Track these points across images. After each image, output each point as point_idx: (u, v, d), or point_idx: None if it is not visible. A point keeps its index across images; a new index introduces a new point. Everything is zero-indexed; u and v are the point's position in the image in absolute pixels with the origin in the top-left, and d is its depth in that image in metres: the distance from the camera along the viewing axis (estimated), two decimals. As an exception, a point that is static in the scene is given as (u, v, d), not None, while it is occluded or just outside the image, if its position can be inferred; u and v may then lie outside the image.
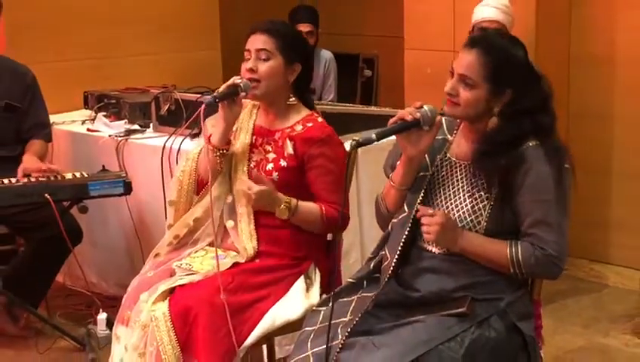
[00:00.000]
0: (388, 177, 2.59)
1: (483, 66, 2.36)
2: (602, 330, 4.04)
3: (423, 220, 2.37)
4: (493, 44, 2.42)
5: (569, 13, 4.72)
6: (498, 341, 2.33)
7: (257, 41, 2.86)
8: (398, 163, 2.53)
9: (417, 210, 2.44)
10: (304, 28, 5.13)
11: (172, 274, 2.82)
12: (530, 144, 2.37)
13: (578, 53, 4.72)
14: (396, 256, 2.46)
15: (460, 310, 2.34)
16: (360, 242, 3.79)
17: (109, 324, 3.88)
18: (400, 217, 2.51)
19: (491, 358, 2.31)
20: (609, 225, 4.70)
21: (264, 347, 2.74)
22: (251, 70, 2.84)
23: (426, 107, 2.42)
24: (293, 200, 2.82)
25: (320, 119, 2.95)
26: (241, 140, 2.94)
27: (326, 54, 5.47)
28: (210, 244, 2.92)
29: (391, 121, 2.44)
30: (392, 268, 2.47)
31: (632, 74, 4.53)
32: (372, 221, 3.59)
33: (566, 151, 2.43)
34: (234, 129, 2.96)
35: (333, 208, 2.83)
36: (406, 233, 2.47)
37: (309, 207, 2.84)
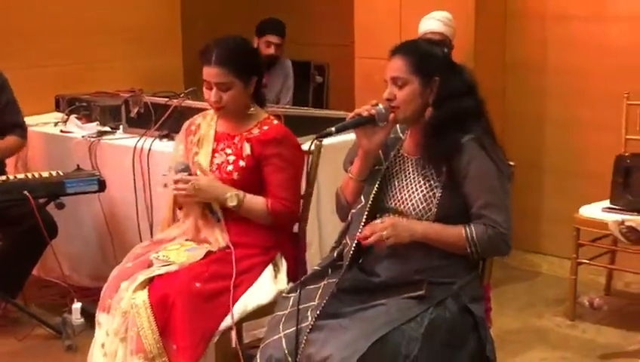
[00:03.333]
0: (347, 172, 2.64)
1: (408, 64, 2.46)
2: (537, 313, 4.14)
3: (376, 229, 2.40)
4: (411, 45, 2.56)
5: (504, 25, 4.84)
6: (453, 321, 2.39)
7: (213, 75, 2.85)
8: (356, 158, 2.58)
9: (375, 200, 2.50)
10: (273, 40, 5.17)
11: (150, 265, 2.84)
12: (468, 138, 2.45)
13: (512, 62, 4.84)
14: (355, 243, 2.52)
15: (418, 293, 2.40)
16: (319, 235, 3.83)
17: (84, 313, 3.87)
18: (358, 207, 2.57)
19: (447, 337, 2.37)
20: (541, 218, 4.82)
21: (233, 332, 2.75)
22: (216, 102, 2.88)
23: (380, 105, 2.49)
24: (241, 192, 2.87)
25: (275, 122, 2.99)
26: (205, 149, 2.98)
27: (287, 63, 5.51)
28: (186, 239, 2.95)
29: (349, 116, 2.51)
30: (351, 253, 2.52)
31: (561, 81, 4.66)
32: (330, 216, 3.66)
33: (501, 148, 2.52)
34: (196, 139, 2.99)
35: (279, 203, 2.88)
36: (363, 221, 2.52)
37: (255, 200, 2.89)
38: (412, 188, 2.50)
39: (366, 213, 2.52)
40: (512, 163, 2.58)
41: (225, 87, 2.85)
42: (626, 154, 4.07)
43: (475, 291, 2.51)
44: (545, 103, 4.76)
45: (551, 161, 4.77)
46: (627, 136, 4.16)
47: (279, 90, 5.48)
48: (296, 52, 6.01)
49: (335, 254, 2.62)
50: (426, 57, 2.49)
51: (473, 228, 2.43)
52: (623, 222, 3.51)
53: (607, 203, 3.99)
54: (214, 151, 2.97)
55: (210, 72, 2.85)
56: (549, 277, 4.64)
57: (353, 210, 2.59)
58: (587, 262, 4.09)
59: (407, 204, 2.49)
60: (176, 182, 2.87)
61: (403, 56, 2.48)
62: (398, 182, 2.54)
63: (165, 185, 3.12)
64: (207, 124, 3.04)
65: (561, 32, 4.64)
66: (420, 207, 2.47)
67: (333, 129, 2.42)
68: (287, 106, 4.94)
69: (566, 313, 4.07)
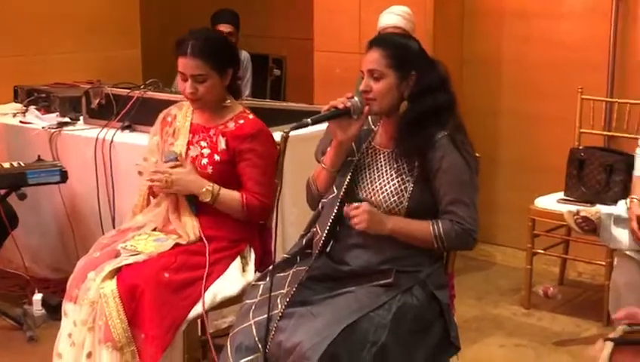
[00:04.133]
0: (319, 162, 2.68)
1: (386, 58, 2.50)
2: (493, 302, 4.23)
3: (352, 213, 2.45)
4: (389, 39, 2.62)
5: (462, 21, 4.93)
6: (420, 308, 2.45)
7: (190, 67, 2.85)
8: (329, 148, 2.62)
9: (347, 191, 2.54)
10: (224, 28, 5.16)
11: (117, 255, 2.84)
12: (442, 135, 2.50)
13: (469, 56, 4.93)
14: (326, 232, 2.56)
15: (386, 281, 2.45)
16: (282, 225, 3.86)
17: (44, 304, 3.85)
18: (329, 197, 2.61)
19: (414, 323, 2.42)
20: (495, 209, 4.91)
21: (205, 319, 2.78)
22: (192, 93, 2.88)
23: (356, 98, 2.52)
24: (216, 186, 2.87)
25: (251, 116, 3.00)
26: (180, 141, 2.98)
27: (244, 54, 5.51)
28: (154, 229, 2.95)
29: (324, 108, 2.54)
30: (321, 242, 2.56)
31: (516, 75, 4.77)
32: (292, 208, 3.71)
33: (470, 144, 2.58)
34: (172, 130, 3.00)
35: (254, 197, 2.90)
36: (335, 211, 2.56)
37: (230, 194, 2.90)
38: (384, 180, 2.55)
39: (338, 203, 2.56)
40: (478, 154, 2.65)
41: (200, 78, 2.86)
42: (580, 147, 4.19)
43: (441, 279, 2.57)
44: (501, 97, 4.86)
45: (506, 153, 4.87)
46: (581, 130, 4.27)
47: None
48: (254, 45, 6.02)
49: (304, 242, 2.65)
50: (404, 51, 2.53)
51: (440, 225, 2.48)
52: (577, 213, 3.62)
53: (561, 195, 4.10)
54: (189, 143, 2.97)
55: (186, 64, 2.85)
56: (504, 267, 4.74)
57: (324, 200, 2.62)
58: (542, 252, 4.20)
59: (379, 196, 2.53)
60: (153, 172, 2.87)
61: (380, 49, 2.51)
62: (370, 174, 2.58)
63: (140, 173, 3.11)
64: (183, 115, 3.04)
65: (517, 28, 4.74)
66: (392, 200, 2.51)
67: (309, 120, 2.44)
68: (251, 99, 4.95)
69: (522, 302, 4.17)
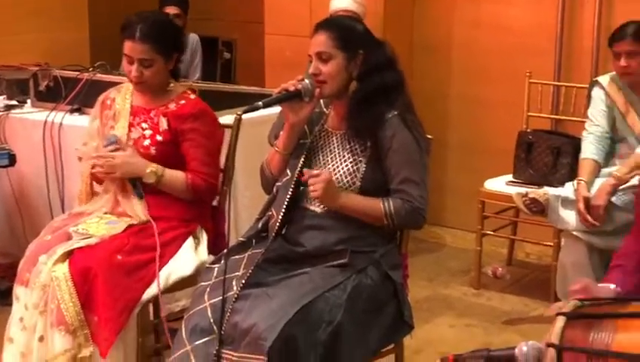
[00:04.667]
0: (272, 145, 2.68)
1: (332, 39, 2.51)
2: (443, 283, 4.29)
3: (310, 181, 2.47)
4: (334, 21, 2.66)
5: (412, 6, 4.96)
6: (374, 287, 2.48)
7: (137, 51, 2.83)
8: (281, 132, 2.63)
9: (300, 174, 2.55)
10: (172, 10, 5.10)
11: (69, 238, 2.81)
12: (392, 114, 2.53)
13: (420, 42, 4.97)
14: (281, 214, 2.56)
15: (341, 261, 2.46)
16: (234, 208, 3.86)
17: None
18: (284, 180, 2.62)
19: (369, 302, 2.45)
20: (445, 192, 4.97)
21: (161, 300, 2.77)
22: (137, 77, 2.85)
23: (307, 80, 2.53)
24: (160, 167, 2.86)
25: (193, 96, 2.99)
26: (121, 124, 2.96)
27: (193, 37, 5.47)
28: (105, 212, 2.93)
29: (276, 91, 2.54)
30: (277, 225, 2.57)
31: (466, 59, 4.82)
32: (244, 191, 3.71)
33: (420, 123, 2.61)
34: (112, 113, 2.98)
35: (199, 178, 2.89)
36: (289, 194, 2.57)
37: (175, 175, 2.89)
38: (337, 162, 2.56)
39: (292, 185, 2.57)
40: (430, 136, 2.68)
41: (147, 63, 2.84)
42: (528, 130, 4.26)
43: (395, 259, 2.60)
44: (451, 82, 4.91)
45: (456, 137, 4.93)
46: (529, 113, 4.34)
47: (188, 66, 5.44)
48: (204, 28, 5.98)
49: (260, 225, 2.65)
50: (349, 32, 2.55)
51: (391, 203, 2.51)
52: (526, 195, 3.69)
53: (510, 177, 4.17)
54: (130, 125, 2.94)
55: (133, 48, 2.83)
56: (454, 249, 4.80)
57: (279, 183, 2.63)
58: (491, 233, 4.27)
59: (333, 177, 2.54)
60: (96, 157, 2.85)
61: (326, 31, 2.53)
62: (323, 157, 2.59)
63: (80, 159, 3.09)
64: (122, 97, 3.02)
65: (467, 13, 4.79)
66: (345, 180, 2.53)
67: (260, 103, 2.44)
68: (201, 82, 4.92)
69: (471, 282, 4.24)
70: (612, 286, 1.87)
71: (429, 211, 4.88)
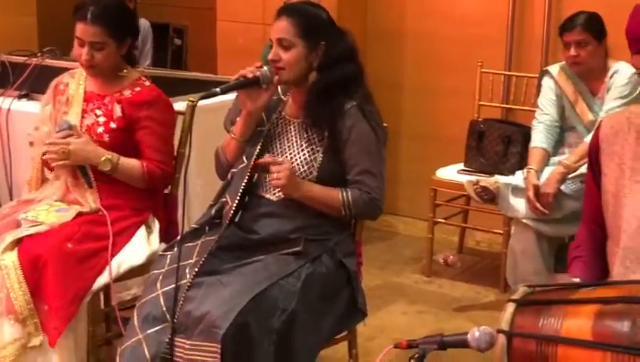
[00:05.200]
0: (228, 131, 2.67)
1: (295, 27, 2.50)
2: (396, 271, 4.33)
3: (273, 168, 2.45)
4: (298, 8, 2.60)
5: (366, -7, 4.98)
6: (328, 275, 2.49)
7: (88, 34, 2.79)
8: (238, 118, 2.62)
9: (256, 160, 2.54)
10: None
11: (18, 225, 2.77)
12: (351, 105, 2.53)
13: (373, 30, 4.97)
14: (236, 201, 2.56)
15: (296, 249, 2.47)
16: (186, 196, 3.83)
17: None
18: (239, 167, 2.61)
19: (323, 290, 2.47)
20: (398, 181, 5.00)
21: (112, 288, 2.75)
22: (88, 60, 2.81)
23: (265, 67, 2.52)
24: (115, 155, 2.83)
25: (148, 83, 2.97)
26: (75, 110, 2.92)
27: (143, 23, 5.41)
28: (56, 200, 2.89)
29: (233, 77, 2.53)
30: (232, 212, 2.56)
31: (419, 47, 4.84)
32: (196, 179, 3.68)
33: (379, 114, 2.63)
34: (65, 99, 2.94)
35: (155, 165, 2.87)
36: (245, 181, 2.57)
37: (130, 163, 2.86)
38: (294, 150, 2.56)
39: (248, 173, 2.56)
40: (385, 125, 2.70)
41: (98, 46, 2.80)
42: (479, 119, 4.31)
43: (349, 247, 2.62)
44: (404, 71, 4.94)
45: (409, 126, 4.95)
46: (480, 102, 4.39)
47: (139, 53, 5.39)
48: (155, 14, 5.92)
49: (213, 212, 2.64)
50: (313, 21, 2.53)
51: (349, 193, 2.52)
52: (477, 183, 3.74)
53: (461, 165, 4.22)
54: (84, 111, 2.90)
55: (84, 30, 2.79)
56: (406, 237, 4.84)
57: (234, 170, 2.62)
58: (443, 221, 4.31)
59: (294, 167, 2.54)
60: (49, 144, 2.80)
61: (289, 17, 2.51)
62: (280, 145, 2.59)
63: (31, 144, 3.04)
64: (76, 83, 2.97)
65: (420, 2, 4.82)
66: (302, 170, 2.53)
67: (218, 89, 2.42)
68: (153, 68, 4.88)
69: (423, 270, 4.28)
70: (576, 280, 1.90)
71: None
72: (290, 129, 2.60)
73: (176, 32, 6.11)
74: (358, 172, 2.52)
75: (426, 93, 4.84)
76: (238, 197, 2.55)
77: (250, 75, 2.50)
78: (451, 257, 4.35)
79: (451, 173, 4.18)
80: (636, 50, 1.92)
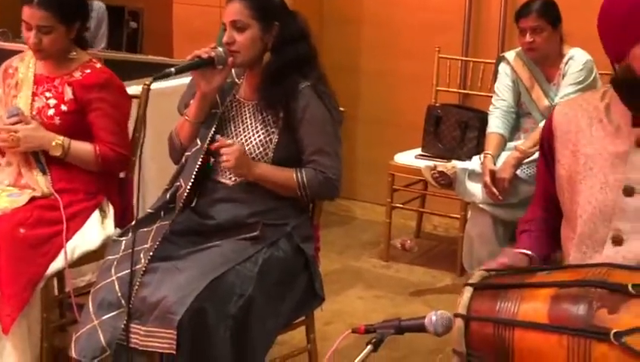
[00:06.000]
0: (182, 114, 2.64)
1: (248, 8, 2.48)
2: (354, 256, 4.33)
3: (222, 150, 2.44)
4: None
5: (322, -22, 4.95)
6: (286, 260, 2.48)
7: (35, 17, 2.73)
8: (192, 101, 2.58)
9: (212, 143, 2.51)
10: None
11: (-31, 211, 2.71)
12: (304, 85, 2.52)
13: (330, 14, 4.95)
14: (190, 184, 2.53)
15: (253, 234, 2.45)
16: (140, 180, 3.78)
17: None
18: (193, 150, 2.58)
19: (280, 275, 2.45)
20: (356, 166, 5.00)
21: (67, 273, 2.71)
22: (35, 44, 2.76)
23: (220, 48, 2.49)
24: (66, 139, 2.79)
25: (99, 65, 2.92)
26: (24, 93, 2.86)
27: (98, 5, 5.33)
28: (7, 185, 2.83)
29: (188, 57, 2.49)
30: (185, 195, 2.52)
31: (377, 34, 4.83)
32: (150, 163, 3.63)
33: (334, 95, 2.62)
34: (14, 82, 2.87)
35: (108, 148, 2.83)
36: (199, 163, 2.54)
37: (82, 146, 2.82)
38: (249, 133, 2.54)
39: (201, 156, 2.54)
40: (342, 109, 2.69)
41: (45, 30, 2.74)
42: (437, 104, 4.32)
43: (307, 231, 2.60)
44: (361, 56, 4.93)
45: (366, 111, 4.95)
46: (438, 88, 4.40)
47: (93, 35, 5.30)
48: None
49: (168, 196, 2.61)
50: (266, 2, 2.51)
51: (304, 173, 2.50)
52: (435, 168, 3.75)
53: (419, 151, 4.23)
54: (34, 94, 2.85)
55: (31, 14, 2.73)
56: (364, 221, 4.85)
57: (188, 153, 2.59)
58: (401, 206, 4.33)
59: (245, 148, 2.52)
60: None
61: (243, 0, 2.49)
62: (235, 127, 2.56)
63: None
64: (25, 66, 2.91)
65: (377, -14, 4.81)
66: (257, 151, 2.51)
67: (172, 70, 2.39)
68: (108, 51, 4.81)
69: (381, 255, 4.29)
70: (527, 251, 1.91)
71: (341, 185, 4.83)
72: (245, 111, 2.57)
73: (131, 14, 6.02)
74: (312, 151, 2.50)
75: (383, 78, 4.84)
76: (191, 180, 2.52)
77: (204, 56, 2.46)
78: (409, 242, 4.36)
79: (409, 158, 4.19)
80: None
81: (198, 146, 2.56)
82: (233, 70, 2.61)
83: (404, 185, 4.31)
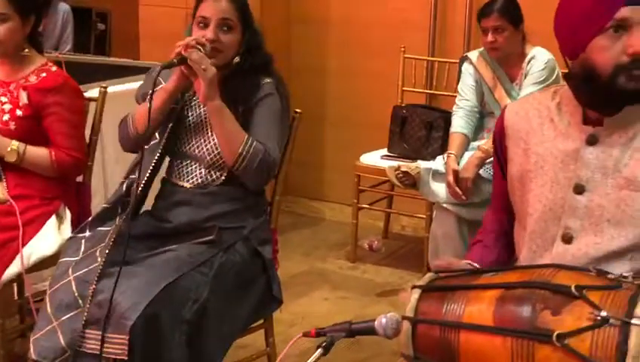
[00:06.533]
0: (139, 103, 2.61)
1: (235, 10, 2.48)
2: (321, 257, 4.33)
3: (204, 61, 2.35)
4: None
5: (289, -21, 4.94)
6: (243, 264, 2.46)
7: None
8: (161, 90, 2.51)
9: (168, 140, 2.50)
10: None
11: None
12: (265, 81, 2.53)
13: (297, 15, 4.94)
14: (146, 178, 2.50)
15: (208, 238, 2.43)
16: (104, 184, 3.76)
17: None
18: (152, 143, 2.55)
19: (236, 278, 2.44)
20: (324, 166, 5.00)
21: (25, 279, 2.68)
22: None
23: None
24: (21, 145, 2.75)
25: (54, 68, 2.88)
26: None
27: (64, 6, 5.28)
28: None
29: (175, 52, 2.39)
30: (140, 188, 2.50)
31: (344, 34, 4.83)
32: (115, 166, 3.61)
33: (289, 98, 2.62)
34: None
35: (64, 153, 2.80)
36: (156, 158, 2.52)
37: (38, 152, 2.78)
38: (206, 133, 2.51)
39: (159, 150, 2.52)
40: (298, 110, 2.67)
41: (1, 17, 2.71)
42: (402, 104, 4.32)
43: (264, 234, 2.59)
44: (328, 56, 4.92)
45: (334, 112, 4.95)
46: (403, 88, 4.40)
47: (59, 37, 5.27)
48: (78, -2, 5.80)
49: (124, 188, 2.58)
50: (246, 5, 2.53)
51: (255, 143, 2.41)
52: (398, 168, 3.75)
53: (385, 151, 4.22)
54: None
55: None
56: (332, 223, 4.84)
57: (147, 146, 2.55)
58: (367, 207, 4.32)
59: (202, 148, 2.50)
60: None
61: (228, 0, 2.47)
62: (194, 126, 2.54)
63: None
64: None
65: (343, -13, 4.80)
66: (215, 152, 2.49)
67: (175, 60, 2.35)
68: (71, 53, 4.77)
69: (347, 256, 4.29)
70: (475, 264, 1.91)
71: (309, 186, 4.90)
72: (202, 112, 2.55)
73: (99, 16, 6.00)
74: (260, 133, 2.45)
75: (350, 79, 4.83)
76: (148, 173, 2.49)
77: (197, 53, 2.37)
78: (376, 242, 4.34)
79: (375, 158, 4.19)
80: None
81: (156, 140, 2.54)
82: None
83: (371, 185, 4.31)
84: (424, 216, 4.06)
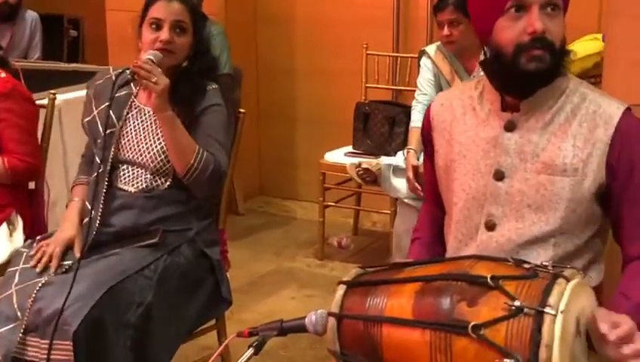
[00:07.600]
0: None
1: (188, 12, 2.47)
2: (290, 256, 4.32)
3: (154, 72, 2.32)
4: None
5: (255, -21, 4.93)
6: (188, 266, 2.44)
7: None
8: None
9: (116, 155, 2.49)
10: None
11: None
12: (212, 87, 2.53)
13: (263, 15, 4.94)
14: (100, 211, 2.46)
15: (152, 241, 2.41)
16: (67, 193, 3.75)
17: None
18: (99, 172, 2.49)
19: (181, 281, 2.42)
20: (295, 165, 5.00)
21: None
22: None
23: (152, 53, 2.41)
24: None
25: (3, 75, 2.86)
26: None
27: (31, 15, 5.28)
28: None
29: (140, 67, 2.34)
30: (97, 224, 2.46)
31: (309, 32, 4.83)
32: (73, 173, 3.60)
33: (235, 102, 2.62)
34: None
35: (17, 159, 2.79)
36: (104, 190, 2.47)
37: None
38: (150, 139, 2.48)
39: (106, 179, 2.49)
40: (242, 110, 2.67)
41: None
42: (366, 101, 4.31)
43: (211, 236, 2.58)
44: (295, 54, 4.91)
45: (303, 110, 4.94)
46: (367, 85, 4.39)
47: (27, 46, 5.26)
48: (48, 5, 5.78)
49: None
50: (196, 8, 2.54)
51: (205, 153, 2.40)
52: (359, 165, 3.74)
53: (350, 148, 4.21)
54: None
55: None
56: (304, 221, 4.83)
57: (92, 176, 2.53)
58: (333, 204, 4.31)
59: (145, 156, 2.47)
60: None
61: (181, 2, 2.46)
62: (136, 137, 2.50)
63: None
64: None
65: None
66: (159, 159, 2.46)
67: (130, 75, 2.38)
68: (33, 61, 4.77)
69: (316, 254, 4.28)
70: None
71: (281, 185, 4.86)
72: (145, 118, 2.52)
73: (71, 22, 5.99)
74: (209, 144, 2.43)
75: (318, 77, 4.83)
76: (100, 207, 2.45)
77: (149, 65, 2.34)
78: (345, 239, 4.36)
79: (339, 156, 4.18)
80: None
81: (101, 170, 2.49)
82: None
83: (338, 182, 4.30)
84: (388, 212, 4.06)
